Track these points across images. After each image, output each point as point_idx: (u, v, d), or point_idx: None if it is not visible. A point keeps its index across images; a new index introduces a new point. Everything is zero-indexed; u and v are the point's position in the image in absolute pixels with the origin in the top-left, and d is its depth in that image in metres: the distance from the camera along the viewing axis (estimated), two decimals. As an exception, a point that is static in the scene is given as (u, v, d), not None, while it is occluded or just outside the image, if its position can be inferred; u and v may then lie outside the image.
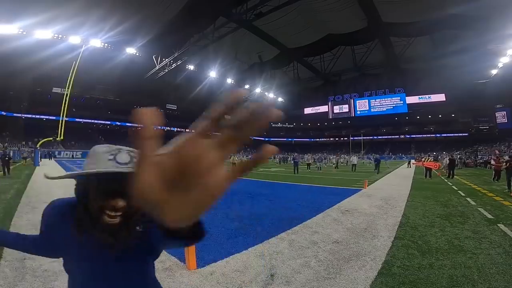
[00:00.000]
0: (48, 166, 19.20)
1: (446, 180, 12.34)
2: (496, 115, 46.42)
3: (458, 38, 34.09)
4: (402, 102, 56.50)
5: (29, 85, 39.71)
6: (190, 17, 27.68)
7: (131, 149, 0.67)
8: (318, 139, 70.58)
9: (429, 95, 53.86)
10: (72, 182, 0.69)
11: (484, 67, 38.85)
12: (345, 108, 62.58)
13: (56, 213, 0.73)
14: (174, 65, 37.54)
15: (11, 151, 26.14)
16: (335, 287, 2.41)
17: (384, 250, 3.28)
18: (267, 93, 59.65)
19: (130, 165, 0.63)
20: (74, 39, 29.99)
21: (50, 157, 30.46)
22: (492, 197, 7.43)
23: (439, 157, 22.16)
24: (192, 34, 31.24)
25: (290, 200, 6.93)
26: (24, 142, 35.19)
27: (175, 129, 57.80)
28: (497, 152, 18.28)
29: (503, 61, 35.36)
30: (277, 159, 34.79)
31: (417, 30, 33.17)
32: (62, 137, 21.73)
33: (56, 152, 35.68)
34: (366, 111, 60.64)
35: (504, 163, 9.27)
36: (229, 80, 50.58)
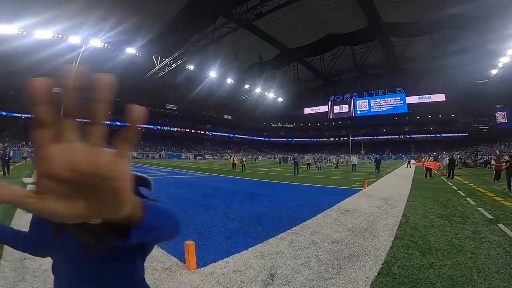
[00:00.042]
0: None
1: (446, 180, 12.34)
2: (496, 115, 46.45)
3: (458, 38, 34.12)
4: (402, 102, 56.52)
5: (29, 85, 39.83)
6: (190, 17, 27.71)
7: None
8: (318, 139, 70.63)
9: (429, 95, 53.90)
10: None
11: (484, 67, 38.88)
12: (345, 108, 62.62)
13: None
14: (174, 65, 37.60)
15: (11, 151, 26.19)
16: (335, 287, 2.41)
17: (384, 250, 3.27)
18: (267, 93, 59.66)
19: None
20: (74, 39, 30.03)
21: (50, 157, 30.39)
22: (492, 197, 7.42)
23: (439, 157, 22.17)
24: (192, 34, 31.27)
25: (290, 200, 6.92)
26: (24, 142, 35.15)
27: (175, 129, 57.62)
28: (497, 152, 18.30)
29: (503, 61, 35.39)
30: (277, 159, 34.78)
31: (417, 30, 33.19)
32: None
33: (56, 152, 35.63)
34: (366, 111, 60.67)
35: (504, 163, 9.27)
36: (229, 80, 50.57)
